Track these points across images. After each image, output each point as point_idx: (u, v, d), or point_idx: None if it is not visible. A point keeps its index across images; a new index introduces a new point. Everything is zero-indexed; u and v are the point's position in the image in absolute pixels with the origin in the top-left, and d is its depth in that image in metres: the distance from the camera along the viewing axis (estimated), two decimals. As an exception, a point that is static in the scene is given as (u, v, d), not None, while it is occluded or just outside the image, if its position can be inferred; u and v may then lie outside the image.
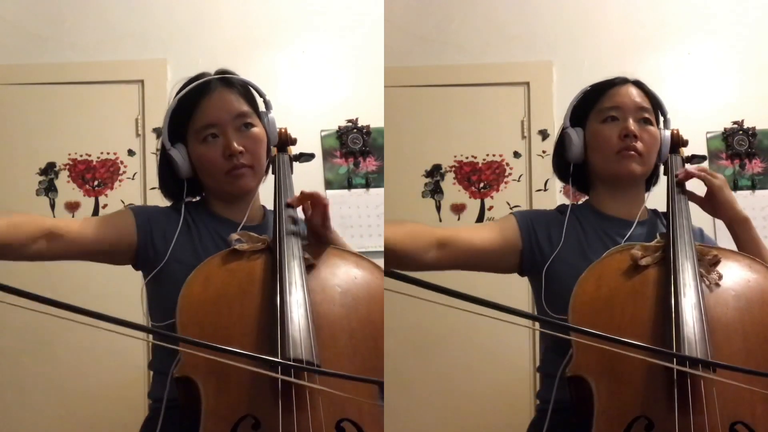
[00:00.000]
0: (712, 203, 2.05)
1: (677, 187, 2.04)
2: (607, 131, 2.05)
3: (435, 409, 3.57)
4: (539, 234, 2.02)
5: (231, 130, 1.98)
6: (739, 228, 2.03)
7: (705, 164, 2.17)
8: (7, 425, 3.45)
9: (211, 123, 1.99)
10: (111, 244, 1.94)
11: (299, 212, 2.00)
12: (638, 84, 2.12)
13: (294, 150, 2.15)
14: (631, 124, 2.03)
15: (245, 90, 2.06)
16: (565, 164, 2.16)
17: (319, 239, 1.97)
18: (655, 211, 2.13)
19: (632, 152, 2.02)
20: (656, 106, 2.12)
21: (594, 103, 2.10)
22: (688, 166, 2.10)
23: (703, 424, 1.57)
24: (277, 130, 2.12)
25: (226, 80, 2.04)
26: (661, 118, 2.14)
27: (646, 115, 2.06)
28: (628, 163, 2.03)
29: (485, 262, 2.02)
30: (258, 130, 2.03)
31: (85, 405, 3.45)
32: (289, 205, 1.98)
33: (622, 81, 2.11)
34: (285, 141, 2.13)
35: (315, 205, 1.96)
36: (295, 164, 2.15)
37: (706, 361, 1.60)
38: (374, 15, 3.54)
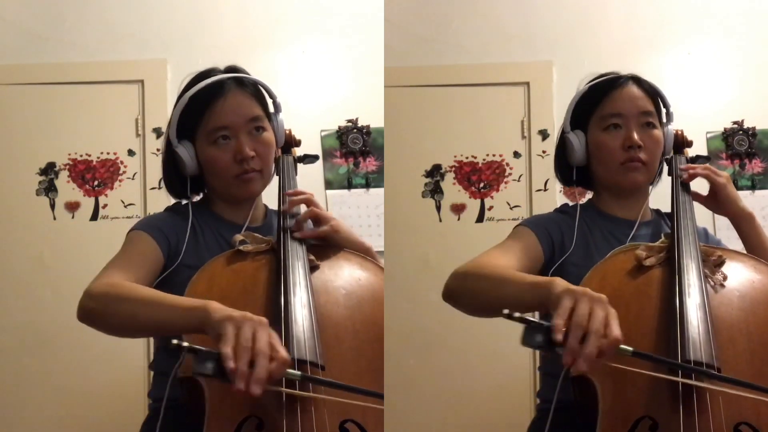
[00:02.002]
0: (717, 201, 2.05)
1: (681, 187, 2.04)
2: (610, 141, 2.02)
3: (435, 409, 3.57)
4: (555, 240, 2.00)
5: (243, 134, 1.97)
6: (745, 224, 2.02)
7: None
8: (7, 425, 3.44)
9: (224, 125, 1.97)
10: (149, 279, 1.90)
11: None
12: (638, 81, 2.07)
13: (297, 151, 2.15)
14: (635, 134, 1.99)
15: (257, 91, 2.05)
16: (567, 167, 2.13)
17: (329, 242, 1.98)
18: (658, 211, 2.13)
19: (637, 163, 2.00)
20: (657, 102, 2.08)
21: (594, 106, 2.06)
22: (691, 166, 2.09)
23: (707, 424, 1.56)
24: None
25: (239, 81, 2.01)
26: (663, 111, 2.10)
27: (650, 119, 2.03)
28: (633, 175, 2.01)
29: None
30: (269, 134, 2.03)
31: (85, 405, 3.44)
32: (291, 215, 1.98)
33: (623, 81, 2.06)
34: (290, 142, 2.14)
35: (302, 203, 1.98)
36: (299, 165, 2.15)
37: (711, 373, 1.60)
38: (374, 15, 3.54)
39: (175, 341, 1.43)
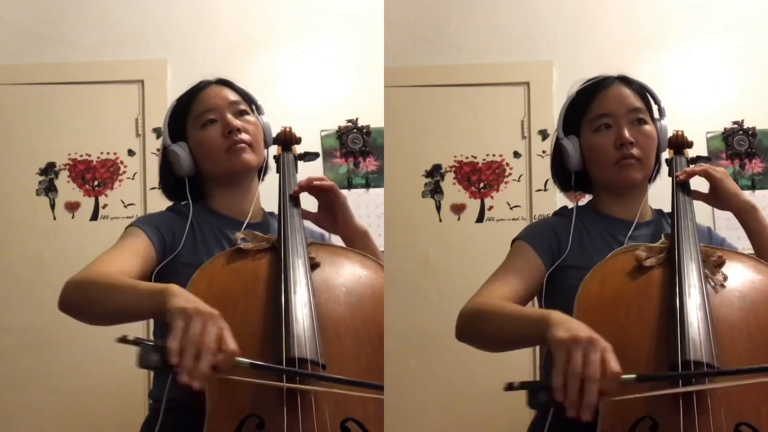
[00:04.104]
0: (717, 196, 2.04)
1: (680, 188, 2.03)
2: (601, 142, 2.01)
3: (435, 409, 3.57)
4: (553, 249, 2.00)
5: (228, 114, 2.08)
6: (748, 216, 2.01)
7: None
8: (7, 425, 3.44)
9: (209, 108, 2.09)
10: (142, 274, 1.92)
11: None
12: (625, 80, 2.06)
13: (297, 149, 2.16)
14: (625, 132, 1.99)
15: (240, 89, 2.17)
16: (564, 173, 2.13)
17: (343, 228, 2.05)
18: (660, 211, 2.12)
19: (630, 160, 1.99)
20: (647, 100, 2.07)
21: (584, 109, 2.05)
22: (687, 168, 2.08)
23: (707, 425, 1.56)
24: (281, 128, 2.18)
25: (222, 80, 2.16)
26: (655, 107, 2.09)
27: (640, 115, 2.02)
28: (627, 173, 2.01)
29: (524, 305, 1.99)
30: (254, 118, 2.13)
31: (85, 405, 3.44)
32: (292, 198, 2.02)
33: (610, 82, 2.06)
34: (290, 140, 2.16)
35: (321, 191, 2.03)
36: (299, 163, 2.16)
37: (711, 372, 1.60)
38: (374, 15, 3.54)
39: (121, 336, 1.45)
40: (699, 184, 2.08)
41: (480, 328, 1.84)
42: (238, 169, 2.08)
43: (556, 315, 1.60)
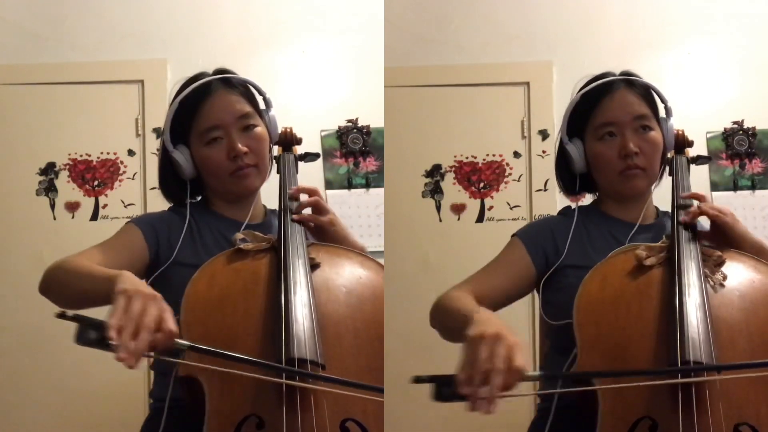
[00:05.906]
0: (725, 238, 1.92)
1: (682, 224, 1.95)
2: (606, 151, 1.99)
3: (435, 409, 3.55)
4: (548, 249, 2.00)
5: (234, 132, 2.01)
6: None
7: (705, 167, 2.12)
8: (7, 425, 3.44)
9: (214, 125, 2.01)
10: (129, 267, 1.88)
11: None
12: (630, 83, 2.02)
13: (298, 150, 2.16)
14: (630, 142, 1.96)
15: (245, 90, 2.09)
16: (568, 175, 2.11)
17: (324, 234, 2.00)
18: (665, 213, 2.10)
19: (635, 171, 1.98)
20: (653, 101, 2.04)
21: (588, 115, 2.02)
22: (695, 205, 1.96)
23: (707, 425, 1.56)
24: (282, 129, 2.15)
25: (226, 81, 2.06)
26: (661, 106, 2.06)
27: (645, 122, 1.99)
28: (632, 183, 1.99)
29: (510, 302, 2.00)
30: (261, 129, 2.06)
31: (85, 405, 3.44)
32: (293, 199, 2.00)
33: (615, 87, 2.00)
34: (290, 140, 2.15)
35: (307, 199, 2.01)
36: (299, 164, 2.16)
37: (710, 367, 1.60)
38: (374, 15, 3.55)
39: (59, 311, 1.44)
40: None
41: (436, 319, 1.93)
42: (242, 193, 2.06)
43: (479, 314, 1.61)
